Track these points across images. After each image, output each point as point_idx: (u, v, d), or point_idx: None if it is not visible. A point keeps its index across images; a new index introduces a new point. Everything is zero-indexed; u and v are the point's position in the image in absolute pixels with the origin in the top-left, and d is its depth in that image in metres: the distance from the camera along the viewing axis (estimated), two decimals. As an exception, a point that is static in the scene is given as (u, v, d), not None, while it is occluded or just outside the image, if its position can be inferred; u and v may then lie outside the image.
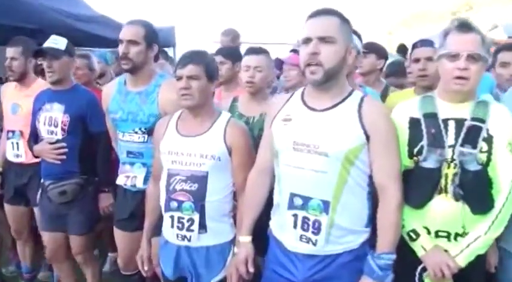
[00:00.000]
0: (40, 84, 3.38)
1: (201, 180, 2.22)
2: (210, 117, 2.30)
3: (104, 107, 2.85)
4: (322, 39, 1.87)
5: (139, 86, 2.67)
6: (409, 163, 2.05)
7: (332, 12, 1.94)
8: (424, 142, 2.00)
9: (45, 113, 3.02)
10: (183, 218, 2.25)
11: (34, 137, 3.11)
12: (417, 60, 2.52)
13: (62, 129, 2.98)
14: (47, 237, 3.16)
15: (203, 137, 2.26)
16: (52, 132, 2.99)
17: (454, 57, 1.94)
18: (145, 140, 2.63)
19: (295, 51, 4.75)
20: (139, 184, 2.66)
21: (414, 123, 2.05)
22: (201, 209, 2.23)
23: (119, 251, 2.91)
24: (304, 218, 1.95)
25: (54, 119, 2.98)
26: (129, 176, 2.69)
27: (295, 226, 1.98)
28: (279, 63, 3.62)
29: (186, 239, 2.28)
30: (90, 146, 3.05)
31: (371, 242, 1.98)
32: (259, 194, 2.20)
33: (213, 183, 2.23)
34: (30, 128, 3.15)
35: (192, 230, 2.25)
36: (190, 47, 4.64)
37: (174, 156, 2.27)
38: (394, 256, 1.92)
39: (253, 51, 2.82)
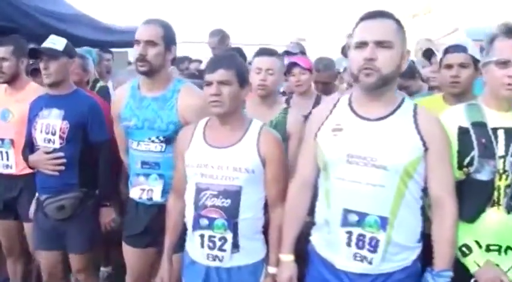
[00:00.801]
0: (33, 88, 3.07)
1: (234, 195, 2.02)
2: (240, 126, 2.10)
3: (114, 114, 2.58)
4: (379, 44, 1.73)
5: (155, 91, 2.42)
6: (458, 174, 1.92)
7: (388, 15, 1.79)
8: (475, 153, 1.89)
9: (42, 119, 2.72)
10: (214, 237, 2.04)
11: (30, 147, 2.81)
12: (450, 67, 2.40)
13: (60, 137, 2.68)
14: (43, 256, 2.86)
15: (235, 148, 2.06)
16: (49, 141, 2.69)
17: (504, 64, 1.84)
18: (163, 150, 2.39)
19: (288, 53, 4.62)
20: (157, 197, 2.41)
21: (463, 133, 1.93)
22: (234, 226, 2.03)
23: (128, 268, 2.64)
24: (360, 235, 1.80)
25: (52, 126, 2.69)
26: (144, 189, 2.43)
27: (349, 244, 1.82)
28: None
29: (217, 259, 2.07)
30: (90, 156, 2.78)
31: None
32: (300, 209, 2.03)
33: (246, 198, 2.04)
34: (26, 136, 2.84)
35: (225, 250, 2.05)
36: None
37: (204, 169, 2.05)
38: (451, 273, 1.81)
39: (265, 52, 2.65)
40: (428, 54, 2.81)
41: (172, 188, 2.30)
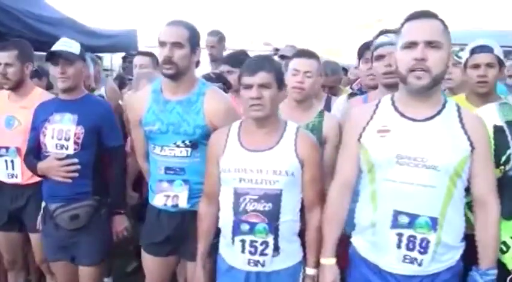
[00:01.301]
0: (39, 93, 2.92)
1: (275, 198, 1.99)
2: (277, 128, 2.07)
3: (133, 119, 2.48)
4: (429, 44, 1.73)
5: (179, 94, 2.34)
6: (495, 172, 1.95)
7: (434, 15, 1.80)
8: (511, 151, 1.92)
9: (53, 124, 2.57)
10: (256, 242, 1.99)
11: (34, 153, 2.67)
12: (477, 66, 2.44)
13: (75, 142, 2.55)
14: (58, 267, 2.72)
15: (274, 151, 2.02)
16: (62, 147, 2.55)
17: None
18: (189, 154, 2.31)
19: (283, 57, 4.62)
20: (183, 204, 2.33)
21: (498, 131, 1.96)
22: (275, 230, 1.99)
23: (148, 277, 2.55)
24: (410, 237, 1.79)
25: (66, 131, 2.55)
26: (169, 196, 2.34)
27: (399, 246, 1.81)
28: None
29: (259, 264, 2.03)
30: (103, 162, 2.67)
31: None
32: (342, 211, 2.01)
33: (286, 201, 2.00)
34: (28, 142, 2.69)
35: (266, 254, 2.01)
36: (154, 51, 4.36)
37: (242, 173, 2.00)
38: (496, 271, 1.83)
39: (304, 54, 2.57)
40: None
41: (204, 194, 2.23)
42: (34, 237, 2.87)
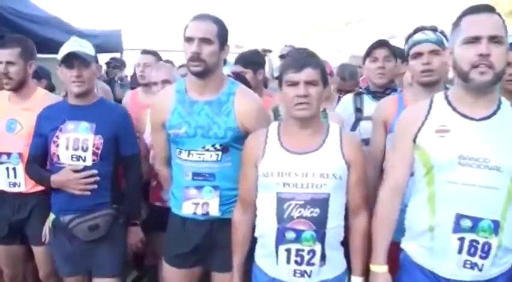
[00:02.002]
0: (42, 95, 2.70)
1: (323, 203, 1.87)
2: (320, 129, 1.95)
3: (155, 121, 2.30)
4: (492, 39, 1.65)
5: (207, 94, 2.18)
6: None
7: (493, 8, 1.72)
8: None
9: (67, 133, 2.36)
10: (302, 250, 1.87)
11: (39, 162, 2.47)
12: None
13: (94, 153, 2.36)
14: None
15: (319, 154, 1.90)
16: (79, 158, 2.35)
17: None
18: (219, 159, 2.16)
19: (282, 56, 4.52)
20: (214, 211, 2.17)
21: None
22: (322, 237, 1.87)
23: None
24: (473, 241, 1.70)
25: (83, 141, 2.35)
26: (198, 203, 2.18)
27: (460, 251, 1.72)
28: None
29: (305, 275, 1.90)
30: (119, 170, 2.50)
31: None
32: (393, 214, 1.90)
33: (334, 205, 1.89)
34: (31, 149, 2.47)
35: (313, 264, 1.88)
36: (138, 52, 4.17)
37: (286, 177, 1.87)
38: None
39: None
40: None
41: (239, 200, 2.09)
42: (38, 251, 2.66)
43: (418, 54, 2.23)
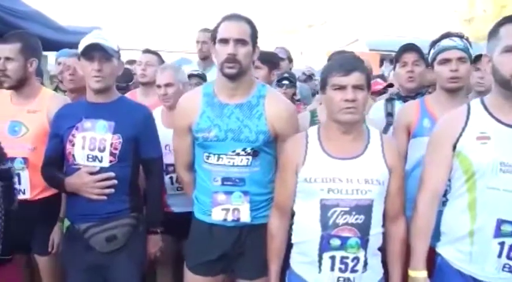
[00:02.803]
0: (49, 96, 2.55)
1: (367, 209, 1.87)
2: (362, 134, 1.96)
3: (181, 124, 2.22)
4: None
5: (238, 97, 2.13)
6: None
7: None
8: None
9: (84, 132, 2.23)
10: (347, 258, 1.86)
11: (56, 164, 2.32)
12: None
13: (112, 154, 2.22)
14: None
15: (363, 159, 1.90)
16: (95, 158, 2.22)
17: None
18: (249, 163, 2.12)
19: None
20: (245, 218, 2.12)
21: None
22: (365, 244, 1.88)
23: None
24: None
25: (100, 140, 2.21)
26: (228, 209, 2.13)
27: (499, 255, 1.78)
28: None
29: None
30: (138, 175, 2.40)
31: None
32: (432, 221, 1.94)
33: (376, 212, 1.90)
34: (47, 151, 2.33)
35: (356, 271, 1.88)
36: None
37: (331, 183, 1.86)
38: None
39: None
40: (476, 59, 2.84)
41: (276, 207, 2.06)
42: (43, 261, 2.52)
43: (446, 61, 2.27)
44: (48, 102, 2.46)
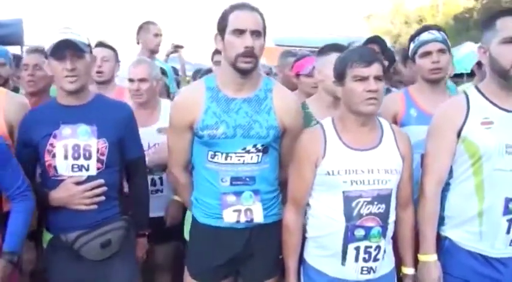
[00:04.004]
0: (4, 94, 2.31)
1: (387, 199, 1.97)
2: (376, 125, 2.03)
3: (180, 122, 2.10)
4: None
5: (245, 91, 2.07)
6: None
7: None
8: None
9: (64, 140, 2.07)
10: (370, 247, 1.94)
11: (31, 178, 2.14)
12: None
13: (99, 160, 2.09)
14: None
15: (380, 150, 1.99)
16: (81, 168, 2.08)
17: None
18: (259, 160, 2.07)
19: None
20: (259, 218, 2.07)
21: None
22: (385, 232, 1.97)
23: None
24: None
25: (84, 148, 2.07)
26: (239, 210, 2.07)
27: (508, 231, 1.96)
28: None
29: (371, 272, 1.97)
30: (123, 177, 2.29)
31: None
32: (438, 205, 2.08)
33: (393, 200, 2.01)
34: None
35: (378, 259, 1.97)
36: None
37: (353, 175, 1.92)
38: None
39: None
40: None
41: (292, 202, 2.06)
42: None
43: (428, 53, 2.42)
44: (3, 101, 2.25)
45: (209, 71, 3.46)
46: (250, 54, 1.96)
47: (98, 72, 3.17)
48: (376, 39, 2.92)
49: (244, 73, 2.02)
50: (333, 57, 2.36)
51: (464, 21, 24.63)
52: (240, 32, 1.96)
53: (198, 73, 4.21)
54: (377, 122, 2.04)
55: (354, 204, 1.91)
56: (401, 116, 2.49)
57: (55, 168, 2.08)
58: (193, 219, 2.20)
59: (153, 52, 4.12)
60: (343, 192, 1.92)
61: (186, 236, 2.80)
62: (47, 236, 2.17)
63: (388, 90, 3.15)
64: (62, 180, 2.08)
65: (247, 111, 2.06)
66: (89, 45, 2.14)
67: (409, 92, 2.55)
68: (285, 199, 2.16)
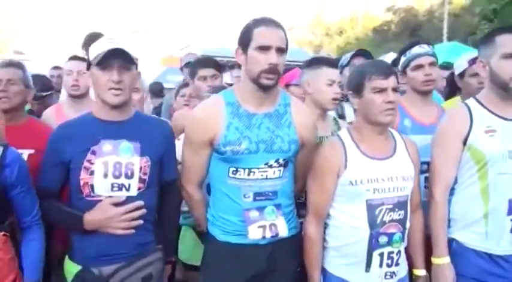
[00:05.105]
0: None
1: (405, 205, 2.13)
2: (388, 135, 2.19)
3: (200, 139, 2.10)
4: None
5: (265, 106, 2.12)
6: None
7: None
8: None
9: (104, 157, 1.98)
10: (392, 252, 2.09)
11: (56, 199, 2.07)
12: (476, 75, 2.94)
13: (141, 180, 2.02)
14: None
15: (396, 158, 2.15)
16: (122, 187, 1.99)
17: None
18: (281, 175, 2.14)
19: (188, 64, 4.49)
20: (283, 232, 2.12)
21: None
22: (404, 237, 2.13)
23: None
24: None
25: (126, 165, 1.99)
26: (264, 226, 2.10)
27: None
28: None
29: (394, 276, 2.12)
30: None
31: None
32: (447, 209, 2.25)
33: (409, 206, 2.16)
34: (44, 181, 2.06)
35: (399, 264, 2.13)
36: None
37: (375, 183, 2.06)
38: None
39: (335, 64, 2.66)
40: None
41: (314, 214, 2.16)
42: None
43: (420, 66, 2.63)
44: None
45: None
46: (274, 70, 2.02)
47: (74, 85, 3.08)
48: (363, 53, 3.12)
49: (266, 89, 2.07)
50: (325, 71, 2.55)
51: (383, 33, 26.38)
52: (265, 48, 2.01)
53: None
54: (389, 132, 2.20)
55: (377, 212, 2.04)
56: (396, 126, 2.64)
57: (92, 187, 1.98)
58: (210, 237, 2.20)
59: None
60: (367, 200, 2.04)
61: (181, 255, 2.80)
62: (73, 268, 2.03)
63: None
64: (97, 201, 1.99)
65: (268, 127, 2.11)
66: (136, 58, 2.09)
67: (401, 104, 2.73)
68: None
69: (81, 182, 1.99)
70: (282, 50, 2.04)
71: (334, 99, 2.57)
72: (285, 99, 2.20)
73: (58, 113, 3.19)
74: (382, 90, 2.03)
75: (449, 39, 18.44)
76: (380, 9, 29.74)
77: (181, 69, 4.71)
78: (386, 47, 19.74)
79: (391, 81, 2.04)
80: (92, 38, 4.02)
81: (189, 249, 2.75)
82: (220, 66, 3.26)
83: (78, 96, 3.12)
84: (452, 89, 3.45)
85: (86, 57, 4.01)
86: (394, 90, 2.05)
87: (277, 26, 2.07)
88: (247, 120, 2.11)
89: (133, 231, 2.01)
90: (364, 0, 31.53)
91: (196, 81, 3.15)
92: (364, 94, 2.07)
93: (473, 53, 3.07)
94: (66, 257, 2.08)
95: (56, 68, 4.60)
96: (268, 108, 2.14)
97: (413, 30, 24.46)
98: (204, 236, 2.42)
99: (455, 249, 2.25)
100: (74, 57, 3.17)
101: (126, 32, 27.58)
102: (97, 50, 2.01)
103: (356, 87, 2.10)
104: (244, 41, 2.06)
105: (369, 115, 2.08)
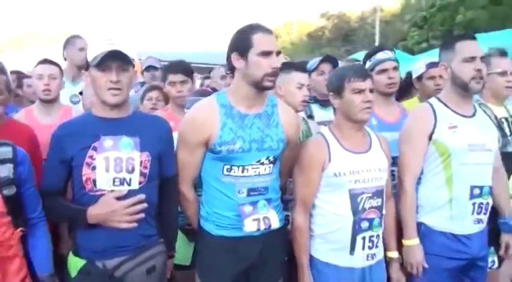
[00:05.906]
0: None
1: (382, 193, 2.41)
2: (365, 131, 2.47)
3: (196, 139, 2.25)
4: (481, 58, 2.51)
5: (256, 107, 2.31)
6: None
7: (475, 37, 2.55)
8: None
9: (105, 152, 2.07)
10: (373, 236, 2.36)
11: (59, 195, 2.16)
12: (433, 78, 3.37)
13: (141, 174, 2.12)
14: None
15: (373, 152, 2.43)
16: (123, 182, 2.09)
17: None
18: (271, 171, 2.34)
19: (149, 68, 4.60)
20: (276, 224, 2.32)
21: None
22: (381, 222, 2.40)
23: None
24: (481, 203, 2.55)
25: (127, 160, 2.08)
26: (258, 219, 2.28)
27: (473, 212, 2.54)
28: None
29: (374, 257, 2.39)
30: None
31: None
32: (415, 198, 2.57)
33: (384, 194, 2.43)
34: (48, 178, 2.16)
35: (378, 246, 2.41)
36: None
37: (357, 175, 2.32)
38: None
39: (305, 68, 2.91)
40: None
41: (302, 204, 2.39)
42: None
43: (384, 70, 2.94)
44: None
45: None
46: (276, 74, 2.23)
47: (45, 90, 3.12)
48: (329, 59, 3.40)
49: (265, 90, 2.28)
50: (295, 75, 2.78)
51: (317, 39, 27.29)
52: (267, 54, 2.19)
53: None
54: (365, 129, 2.47)
55: (358, 199, 2.31)
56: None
57: (94, 182, 2.07)
58: (203, 233, 2.35)
59: (80, 68, 4.02)
60: (349, 190, 2.30)
61: None
62: (78, 263, 2.11)
63: None
64: (100, 196, 2.07)
65: (259, 126, 2.30)
66: (133, 59, 2.17)
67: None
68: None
69: (84, 178, 2.07)
70: (278, 54, 2.26)
71: (304, 101, 2.79)
72: (272, 100, 2.40)
73: (28, 117, 3.21)
74: (360, 91, 2.30)
75: (381, 44, 19.47)
76: (314, 15, 30.81)
77: (142, 73, 4.79)
78: (320, 52, 20.55)
79: (368, 83, 2.32)
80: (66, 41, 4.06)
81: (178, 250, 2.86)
82: (191, 72, 3.39)
83: (50, 101, 3.16)
84: (403, 90, 3.80)
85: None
86: (371, 90, 2.33)
87: (270, 32, 2.28)
88: (240, 121, 2.28)
89: (136, 224, 2.10)
90: (298, 6, 32.60)
91: (166, 86, 3.31)
92: (344, 95, 2.32)
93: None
94: (70, 252, 2.17)
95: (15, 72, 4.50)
96: (258, 109, 2.32)
97: (347, 36, 25.53)
98: (192, 235, 2.61)
99: (424, 232, 2.56)
100: (44, 61, 3.20)
101: (57, 34, 26.74)
102: (95, 51, 2.10)
103: (336, 88, 2.36)
104: (243, 47, 2.21)
105: (349, 114, 2.34)
